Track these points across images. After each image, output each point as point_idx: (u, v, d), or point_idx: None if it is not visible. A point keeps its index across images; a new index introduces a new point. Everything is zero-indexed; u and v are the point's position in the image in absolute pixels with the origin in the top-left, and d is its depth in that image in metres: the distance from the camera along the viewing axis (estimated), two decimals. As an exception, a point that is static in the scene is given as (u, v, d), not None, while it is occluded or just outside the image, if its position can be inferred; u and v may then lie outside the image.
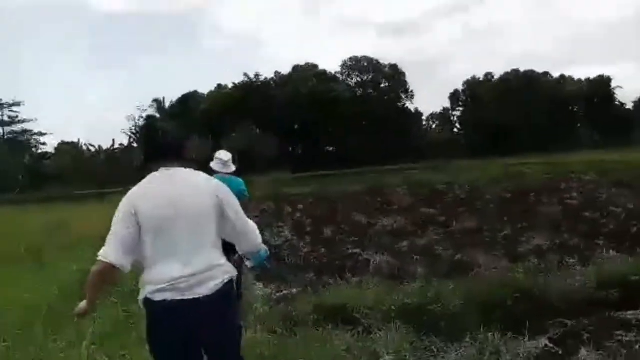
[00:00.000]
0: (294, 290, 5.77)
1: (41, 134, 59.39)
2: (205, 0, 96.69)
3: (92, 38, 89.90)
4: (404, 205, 13.63)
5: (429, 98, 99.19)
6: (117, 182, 43.03)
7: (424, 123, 74.66)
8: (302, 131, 60.73)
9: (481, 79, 71.63)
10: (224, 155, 5.30)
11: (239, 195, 4.94)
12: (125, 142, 57.15)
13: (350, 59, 68.12)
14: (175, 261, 2.36)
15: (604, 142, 54.04)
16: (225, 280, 2.44)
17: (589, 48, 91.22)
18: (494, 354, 3.86)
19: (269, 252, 2.82)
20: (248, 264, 2.95)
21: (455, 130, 74.06)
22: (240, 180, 5.33)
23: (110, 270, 2.32)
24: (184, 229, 2.37)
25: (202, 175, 2.55)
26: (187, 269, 2.36)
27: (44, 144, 60.21)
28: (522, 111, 61.17)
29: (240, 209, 2.56)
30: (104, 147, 56.12)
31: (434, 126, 76.56)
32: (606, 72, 71.97)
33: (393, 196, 16.67)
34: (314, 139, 59.71)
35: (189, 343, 2.38)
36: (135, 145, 57.38)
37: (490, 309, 4.52)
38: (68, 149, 56.42)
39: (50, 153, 59.33)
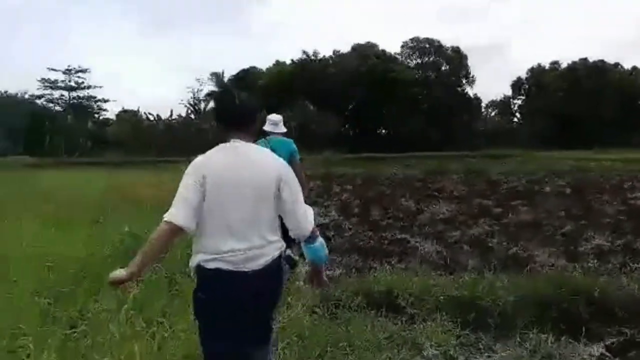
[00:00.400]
0: (338, 272, 5.65)
1: (104, 101, 61.48)
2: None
3: (157, 12, 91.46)
4: (457, 194, 13.20)
5: (488, 85, 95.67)
6: (175, 151, 44.50)
7: (483, 110, 72.54)
8: (358, 111, 60.20)
9: (547, 67, 68.65)
10: (275, 117, 5.58)
11: (290, 155, 5.15)
12: (183, 113, 58.47)
13: (411, 39, 66.52)
14: (232, 233, 2.39)
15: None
16: (275, 256, 2.48)
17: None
18: (546, 358, 3.62)
19: (328, 254, 2.74)
20: (305, 254, 2.71)
21: (515, 119, 71.69)
22: (290, 140, 5.55)
23: (176, 231, 2.37)
24: (244, 202, 2.41)
25: (269, 153, 2.61)
26: (241, 243, 2.39)
27: (105, 110, 62.31)
28: (590, 103, 58.28)
29: (299, 192, 2.54)
30: (163, 117, 57.61)
31: (493, 114, 74.26)
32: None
33: (447, 183, 16.21)
34: (371, 119, 59.03)
35: (235, 313, 2.40)
36: (192, 116, 58.78)
37: (544, 308, 4.26)
38: (128, 116, 58.14)
39: (112, 120, 61.35)
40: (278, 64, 62.37)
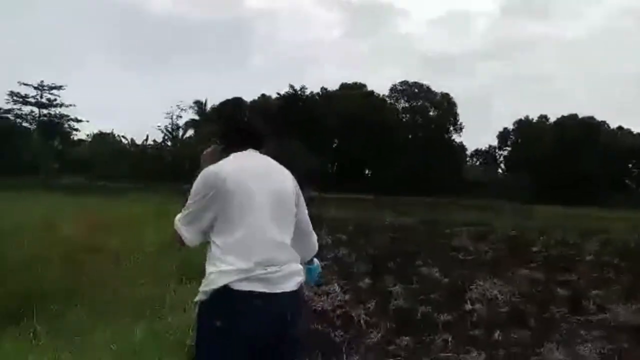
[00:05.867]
0: None
1: (77, 120, 57.73)
2: (257, 12, 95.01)
3: (142, 37, 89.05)
4: (486, 257, 10.20)
5: (471, 134, 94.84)
6: (146, 177, 41.80)
7: (468, 159, 71.05)
8: (341, 150, 58.06)
9: (534, 120, 67.66)
10: None
11: None
12: (159, 139, 55.75)
13: (401, 83, 65.35)
14: (267, 244, 2.05)
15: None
16: (302, 279, 2.17)
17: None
18: None
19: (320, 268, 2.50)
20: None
21: (500, 170, 70.26)
22: None
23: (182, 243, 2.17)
24: (274, 209, 2.10)
25: (279, 164, 2.29)
26: (277, 255, 2.06)
27: (77, 130, 58.49)
28: (577, 159, 56.92)
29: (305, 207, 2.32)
30: (137, 142, 54.77)
31: (477, 163, 72.81)
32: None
33: (459, 238, 13.31)
34: (356, 160, 56.70)
35: (268, 344, 2.03)
36: (168, 143, 55.75)
37: None
38: (101, 139, 55.08)
39: (83, 141, 57.80)
40: (264, 97, 59.91)
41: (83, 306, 4.43)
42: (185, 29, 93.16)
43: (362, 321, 5.12)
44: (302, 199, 2.27)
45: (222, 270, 2.00)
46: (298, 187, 2.27)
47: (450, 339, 4.65)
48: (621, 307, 6.16)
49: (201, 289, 2.06)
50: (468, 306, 5.90)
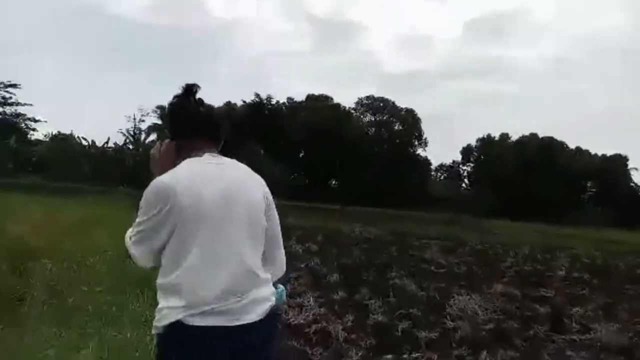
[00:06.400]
0: None
1: (34, 120, 55.61)
2: (224, 22, 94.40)
3: (105, 41, 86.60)
4: (459, 271, 9.99)
5: (436, 152, 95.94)
6: (107, 180, 40.60)
7: (432, 173, 72.03)
8: (307, 160, 57.92)
9: (496, 138, 69.11)
10: None
11: None
12: (120, 142, 54.34)
13: (367, 97, 65.89)
14: (226, 270, 1.79)
15: (614, 221, 50.26)
16: (273, 302, 1.91)
17: (606, 126, 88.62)
18: None
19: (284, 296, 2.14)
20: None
21: (464, 185, 71.47)
22: None
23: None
24: (238, 224, 1.83)
25: (247, 168, 1.98)
26: (239, 282, 1.80)
27: (34, 129, 56.33)
28: (536, 177, 58.38)
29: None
30: (98, 144, 53.24)
31: (441, 178, 73.90)
32: (623, 151, 68.32)
33: (429, 251, 13.11)
34: (321, 170, 56.61)
35: None
36: (130, 146, 54.37)
37: None
38: (59, 140, 53.28)
39: (40, 141, 55.71)
40: (229, 104, 59.15)
41: (26, 317, 3.91)
42: (152, 34, 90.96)
43: (340, 338, 4.73)
44: (273, 206, 1.98)
45: (172, 306, 1.79)
46: (269, 193, 1.98)
47: (435, 359, 4.31)
48: (604, 326, 5.97)
49: (154, 322, 1.86)
50: (449, 323, 5.59)
